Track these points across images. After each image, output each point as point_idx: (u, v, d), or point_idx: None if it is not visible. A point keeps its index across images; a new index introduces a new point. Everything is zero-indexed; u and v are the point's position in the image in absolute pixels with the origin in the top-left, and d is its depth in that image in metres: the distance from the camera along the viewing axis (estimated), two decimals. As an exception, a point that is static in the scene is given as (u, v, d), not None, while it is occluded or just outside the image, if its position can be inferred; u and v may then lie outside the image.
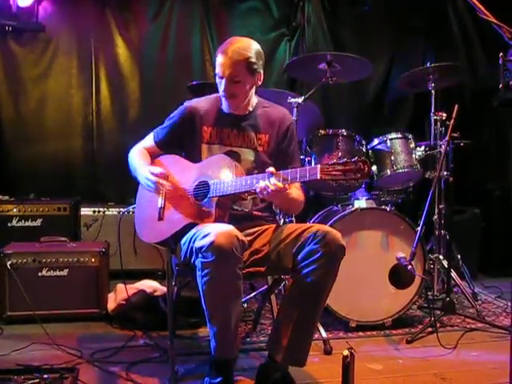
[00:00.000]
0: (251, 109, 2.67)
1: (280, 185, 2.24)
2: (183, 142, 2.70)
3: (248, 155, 2.61)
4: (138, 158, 2.69)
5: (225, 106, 2.61)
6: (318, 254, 2.27)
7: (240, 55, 2.47)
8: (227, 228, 2.23)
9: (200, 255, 2.19)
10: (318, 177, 2.19)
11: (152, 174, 2.49)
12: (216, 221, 2.37)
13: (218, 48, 2.55)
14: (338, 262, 2.32)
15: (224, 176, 2.42)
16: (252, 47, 2.53)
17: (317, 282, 2.29)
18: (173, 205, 2.54)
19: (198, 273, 2.22)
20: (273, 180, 2.25)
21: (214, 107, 2.67)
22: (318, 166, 2.20)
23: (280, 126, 2.66)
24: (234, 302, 2.25)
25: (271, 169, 2.28)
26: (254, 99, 2.68)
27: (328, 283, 2.33)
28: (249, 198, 2.53)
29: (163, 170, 2.52)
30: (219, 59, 2.50)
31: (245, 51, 2.49)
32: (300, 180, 2.27)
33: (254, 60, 2.51)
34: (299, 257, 2.32)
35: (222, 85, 2.52)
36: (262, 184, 2.27)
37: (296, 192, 2.56)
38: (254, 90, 2.64)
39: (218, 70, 2.51)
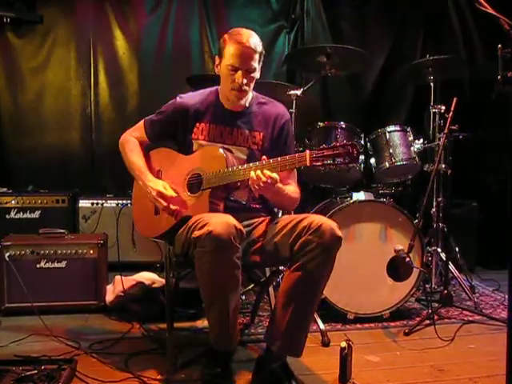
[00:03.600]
0: (247, 105, 2.64)
1: (275, 176, 2.24)
2: (175, 135, 2.68)
3: (241, 153, 2.59)
4: (137, 157, 2.66)
5: (231, 100, 2.58)
6: (313, 245, 2.26)
7: (256, 46, 2.49)
8: (225, 217, 2.23)
9: (198, 245, 2.18)
10: (308, 163, 2.19)
11: (161, 195, 2.48)
12: (210, 212, 2.37)
13: (226, 38, 2.51)
14: (333, 253, 2.31)
15: (216, 167, 2.41)
16: (259, 38, 2.54)
17: (313, 272, 2.27)
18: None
19: (196, 263, 2.22)
20: (265, 171, 2.25)
21: (208, 103, 2.65)
22: (307, 151, 2.20)
23: (275, 124, 2.64)
24: (233, 291, 2.24)
25: (265, 157, 2.29)
26: (250, 93, 2.64)
27: (324, 273, 2.32)
28: (241, 186, 2.48)
29: (175, 195, 2.50)
30: (234, 50, 2.46)
31: (258, 43, 2.51)
32: (290, 167, 2.27)
33: (263, 51, 2.54)
34: (295, 247, 2.30)
35: (234, 77, 2.49)
36: (253, 175, 2.26)
37: (291, 189, 2.56)
38: None
39: (231, 61, 2.47)
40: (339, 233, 2.30)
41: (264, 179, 2.24)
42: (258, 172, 2.25)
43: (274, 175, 2.25)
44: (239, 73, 2.48)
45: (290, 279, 2.34)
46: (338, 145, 2.17)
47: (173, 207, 2.47)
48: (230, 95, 2.56)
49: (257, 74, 2.55)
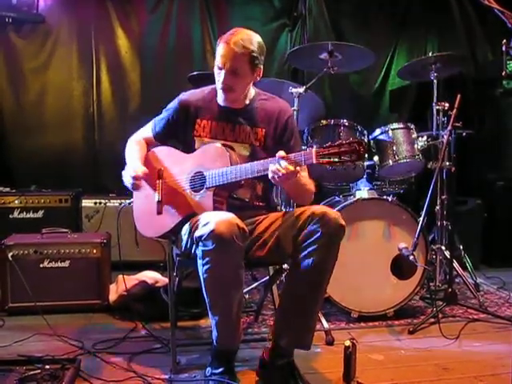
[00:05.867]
0: (248, 102, 2.61)
1: (291, 168, 2.20)
2: (178, 133, 2.67)
3: (243, 150, 2.56)
4: (131, 152, 2.67)
5: (220, 99, 2.57)
6: (318, 234, 2.24)
7: (244, 48, 2.41)
8: (227, 216, 2.21)
9: (200, 244, 2.18)
10: (314, 161, 2.16)
11: (133, 175, 2.48)
12: (214, 211, 2.35)
13: (221, 37, 2.48)
14: (337, 242, 2.29)
15: (219, 165, 2.39)
16: (256, 41, 2.47)
17: (318, 262, 2.26)
18: (170, 198, 2.53)
19: (199, 261, 2.22)
20: (283, 163, 2.21)
21: (210, 99, 2.63)
22: (313, 149, 2.17)
23: (278, 120, 2.60)
24: (235, 290, 2.24)
25: (281, 153, 2.24)
26: (252, 91, 2.62)
27: (329, 263, 2.31)
28: (244, 184, 2.46)
29: (146, 170, 2.50)
30: (221, 49, 2.44)
31: (249, 44, 2.43)
32: (296, 165, 2.23)
33: (256, 55, 2.46)
34: (299, 238, 2.29)
35: (220, 76, 2.47)
36: (272, 167, 2.23)
37: (307, 180, 2.52)
38: (251, 84, 2.60)
39: (217, 61, 2.46)
40: (342, 222, 2.30)
41: (284, 171, 2.20)
42: (277, 165, 2.22)
43: (291, 168, 2.21)
44: (222, 72, 2.45)
45: (295, 272, 2.33)
46: (345, 142, 2.14)
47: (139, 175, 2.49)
48: (220, 94, 2.55)
49: (245, 76, 2.48)
